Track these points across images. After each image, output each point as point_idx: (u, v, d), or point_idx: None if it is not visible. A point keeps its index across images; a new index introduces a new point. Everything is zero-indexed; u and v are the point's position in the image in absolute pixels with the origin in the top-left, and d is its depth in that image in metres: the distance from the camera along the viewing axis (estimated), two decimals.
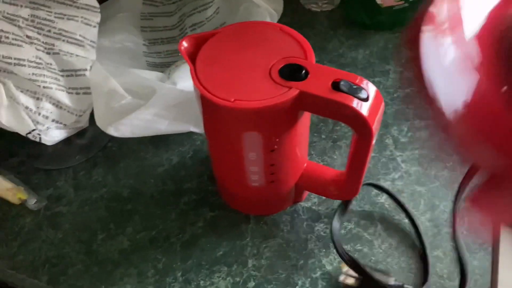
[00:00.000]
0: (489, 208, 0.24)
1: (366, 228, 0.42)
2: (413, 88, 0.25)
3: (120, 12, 0.53)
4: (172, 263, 0.41)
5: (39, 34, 0.42)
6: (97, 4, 0.45)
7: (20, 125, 0.42)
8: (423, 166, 0.45)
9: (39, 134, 0.43)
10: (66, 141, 0.48)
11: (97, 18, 0.45)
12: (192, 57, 0.33)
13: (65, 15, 0.43)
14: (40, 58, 0.42)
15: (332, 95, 0.30)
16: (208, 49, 0.34)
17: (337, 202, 0.42)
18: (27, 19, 0.41)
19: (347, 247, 0.40)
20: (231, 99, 0.30)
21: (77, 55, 0.44)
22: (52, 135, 0.44)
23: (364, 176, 0.36)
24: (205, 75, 0.32)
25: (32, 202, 0.45)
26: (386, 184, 0.44)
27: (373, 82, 0.37)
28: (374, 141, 0.32)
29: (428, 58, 0.23)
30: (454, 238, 0.40)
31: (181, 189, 0.45)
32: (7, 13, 0.40)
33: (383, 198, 0.43)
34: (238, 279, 0.39)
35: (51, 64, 0.43)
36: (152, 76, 0.44)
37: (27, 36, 0.42)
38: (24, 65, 0.41)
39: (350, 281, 0.37)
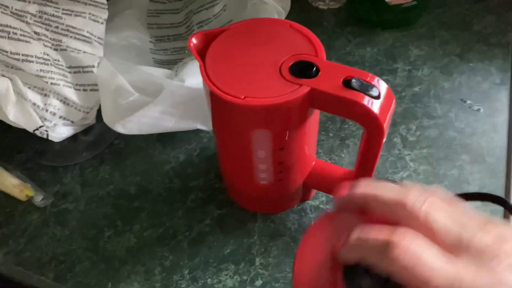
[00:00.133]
0: None
1: None
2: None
3: (127, 9, 0.53)
4: (179, 260, 0.40)
5: (47, 30, 0.42)
6: (104, 1, 0.44)
7: (27, 122, 0.42)
8: (431, 165, 0.45)
9: (47, 131, 0.43)
10: (72, 138, 0.48)
11: (104, 14, 0.45)
12: (202, 54, 0.33)
13: (72, 11, 0.43)
14: (47, 55, 0.42)
15: (343, 92, 0.29)
16: (218, 45, 0.33)
17: None
18: (35, 15, 0.41)
19: None
20: (241, 96, 0.30)
21: (84, 52, 0.44)
22: (59, 131, 0.44)
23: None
24: (215, 72, 0.32)
25: (38, 199, 0.45)
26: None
27: None
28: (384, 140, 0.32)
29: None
30: None
31: (188, 187, 0.45)
32: (15, 9, 0.40)
33: None
34: (245, 277, 0.39)
35: (58, 60, 0.43)
36: (159, 73, 0.44)
37: (35, 32, 0.42)
38: (32, 61, 0.41)
39: None
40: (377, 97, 0.30)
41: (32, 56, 0.41)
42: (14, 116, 0.42)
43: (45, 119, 0.43)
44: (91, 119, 0.47)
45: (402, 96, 0.51)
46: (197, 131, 0.49)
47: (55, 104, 0.43)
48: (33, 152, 0.49)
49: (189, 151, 0.48)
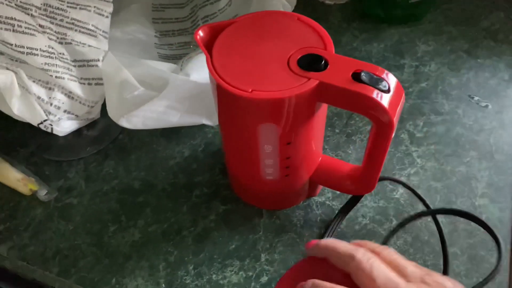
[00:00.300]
0: None
1: (381, 224, 0.41)
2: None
3: (132, 3, 0.52)
4: (184, 256, 0.40)
5: (52, 23, 0.42)
6: None
7: (32, 115, 0.42)
8: (439, 162, 0.45)
9: (51, 125, 0.43)
10: (77, 133, 0.48)
11: (109, 8, 0.45)
12: (208, 47, 0.33)
13: (77, 4, 0.43)
14: (52, 48, 0.42)
15: (353, 86, 0.29)
16: (225, 38, 0.33)
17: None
18: (39, 8, 0.41)
19: None
20: (248, 90, 0.30)
21: (89, 46, 0.44)
22: (64, 125, 0.44)
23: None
24: (222, 65, 0.31)
25: (43, 193, 0.44)
26: (401, 180, 0.43)
27: None
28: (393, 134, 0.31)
29: None
30: None
31: (192, 182, 0.45)
32: (20, 2, 0.40)
33: (398, 194, 0.43)
34: (250, 273, 0.39)
35: (63, 54, 0.43)
36: (165, 67, 0.44)
37: (40, 25, 0.41)
38: (37, 55, 0.41)
39: None
40: (387, 91, 0.29)
41: (36, 49, 0.41)
42: (18, 110, 0.41)
43: (50, 113, 0.43)
44: (95, 114, 0.47)
45: (409, 92, 0.50)
46: (202, 126, 0.49)
47: (59, 98, 0.43)
48: (37, 146, 0.49)
49: (194, 147, 0.48)
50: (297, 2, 0.49)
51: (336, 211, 0.41)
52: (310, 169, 0.39)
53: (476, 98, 0.49)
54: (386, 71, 0.30)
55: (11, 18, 0.39)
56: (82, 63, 0.44)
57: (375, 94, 0.29)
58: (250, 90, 0.29)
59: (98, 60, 0.44)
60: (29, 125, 0.43)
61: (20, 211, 0.44)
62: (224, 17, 0.53)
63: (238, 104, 0.31)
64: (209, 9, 0.54)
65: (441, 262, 0.38)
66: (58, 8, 0.42)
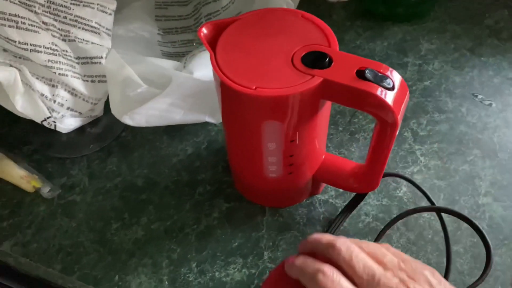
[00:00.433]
0: None
1: (384, 222, 0.41)
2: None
3: (135, 1, 0.52)
4: (187, 253, 0.40)
5: (55, 20, 0.42)
6: None
7: (35, 112, 0.42)
8: (442, 160, 0.44)
9: (54, 122, 0.43)
10: (80, 130, 0.48)
11: (113, 5, 0.45)
12: (212, 44, 0.33)
13: (81, 1, 0.43)
14: (56, 45, 0.42)
15: (357, 83, 0.29)
16: (229, 35, 0.33)
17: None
18: (43, 5, 0.41)
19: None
20: (252, 87, 0.29)
21: (92, 43, 0.44)
22: (67, 122, 0.44)
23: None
24: (226, 62, 0.31)
25: (46, 190, 0.44)
26: (406, 176, 0.43)
27: None
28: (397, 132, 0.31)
29: None
30: None
31: (196, 180, 0.45)
32: None
33: (402, 192, 0.43)
34: (253, 271, 0.39)
35: (66, 51, 0.43)
36: (168, 64, 0.44)
37: (43, 22, 0.41)
38: (40, 52, 0.41)
39: None
40: (391, 89, 0.29)
41: (40, 46, 0.41)
42: (22, 107, 0.41)
43: (53, 110, 0.43)
44: (98, 111, 0.47)
45: (413, 90, 0.50)
46: (205, 124, 0.49)
47: (63, 95, 0.43)
48: (41, 144, 0.49)
49: (197, 144, 0.48)
50: (300, 0, 0.49)
51: (339, 209, 0.41)
52: (313, 167, 0.39)
53: (480, 96, 0.49)
54: (390, 69, 0.30)
55: (15, 15, 0.39)
56: (85, 60, 0.44)
57: (380, 91, 0.29)
58: (254, 87, 0.29)
59: (102, 58, 0.44)
60: (32, 122, 0.43)
61: (23, 208, 0.44)
62: (227, 15, 0.53)
63: (241, 101, 0.31)
64: (212, 6, 0.54)
65: (444, 261, 0.38)
66: (61, 5, 0.42)
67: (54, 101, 0.43)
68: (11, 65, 0.41)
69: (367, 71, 0.29)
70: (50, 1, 0.41)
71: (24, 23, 0.40)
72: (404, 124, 0.47)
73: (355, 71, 0.29)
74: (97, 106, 0.46)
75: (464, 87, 0.50)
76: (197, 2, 0.55)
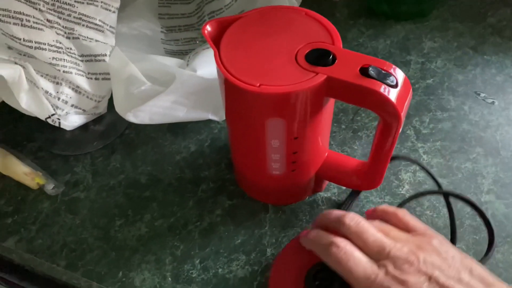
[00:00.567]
0: None
1: None
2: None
3: None
4: (190, 250, 0.40)
5: (59, 18, 0.42)
6: None
7: (39, 109, 0.42)
8: (445, 158, 0.45)
9: (59, 119, 0.43)
10: (83, 128, 0.48)
11: (116, 3, 0.45)
12: (216, 42, 0.33)
13: None
14: (60, 43, 0.42)
15: (361, 80, 0.29)
16: (233, 33, 0.33)
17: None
18: (47, 3, 0.41)
19: None
20: (256, 84, 0.30)
21: (96, 40, 0.44)
22: (71, 120, 0.44)
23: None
24: (230, 60, 0.31)
25: (50, 187, 0.45)
26: (407, 176, 0.43)
27: None
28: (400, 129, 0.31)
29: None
30: None
31: (199, 177, 0.45)
32: None
33: (404, 190, 0.43)
34: (256, 267, 0.39)
35: (71, 48, 0.43)
36: (171, 62, 0.44)
37: (48, 20, 0.41)
38: (45, 49, 0.41)
39: None
40: (395, 86, 0.29)
41: (44, 44, 0.41)
42: (26, 104, 0.41)
43: (57, 107, 0.43)
44: (102, 108, 0.47)
45: (416, 89, 0.50)
46: (208, 121, 0.49)
47: (67, 92, 0.43)
48: (45, 141, 0.49)
49: (200, 142, 0.48)
50: None
51: (341, 207, 0.42)
52: (316, 164, 0.39)
53: (482, 94, 0.49)
54: (394, 66, 0.30)
55: (20, 13, 0.39)
56: (89, 58, 0.44)
57: (383, 88, 0.29)
58: (258, 84, 0.30)
59: (105, 55, 0.44)
60: (36, 119, 0.43)
61: (28, 205, 0.45)
62: (230, 13, 0.53)
63: (245, 99, 0.31)
64: (215, 4, 0.54)
65: None
66: (65, 3, 0.42)
67: (59, 99, 0.43)
68: (15, 63, 0.41)
69: (370, 69, 0.29)
70: None
71: (28, 21, 0.40)
72: (406, 122, 0.47)
73: (358, 68, 0.29)
74: (101, 103, 0.46)
75: (467, 85, 0.50)
76: (200, 0, 0.55)
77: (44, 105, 0.42)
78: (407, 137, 0.46)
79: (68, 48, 0.43)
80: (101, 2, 0.44)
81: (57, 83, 0.43)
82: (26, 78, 0.41)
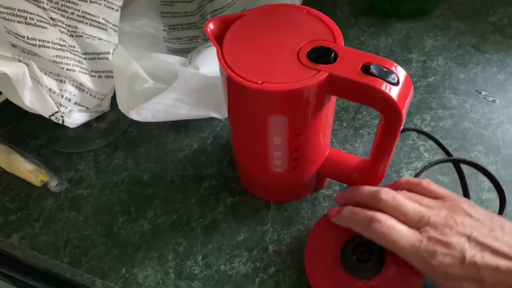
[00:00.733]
0: None
1: None
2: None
3: None
4: (192, 247, 0.41)
5: (63, 16, 0.42)
6: None
7: (43, 107, 0.42)
8: (446, 156, 0.45)
9: (62, 116, 0.43)
10: (86, 125, 0.48)
11: (119, 1, 0.45)
12: (218, 39, 0.33)
13: None
14: (63, 41, 0.42)
15: (362, 78, 0.29)
16: (235, 31, 0.33)
17: None
18: (51, 1, 0.41)
19: None
20: (258, 82, 0.30)
21: (99, 39, 0.44)
22: (75, 117, 0.45)
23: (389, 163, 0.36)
24: (232, 57, 0.32)
25: (53, 184, 0.45)
26: (408, 174, 0.44)
27: None
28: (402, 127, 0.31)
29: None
30: None
31: (201, 175, 0.45)
32: None
33: None
34: (258, 264, 0.39)
35: (74, 46, 0.43)
36: (174, 60, 0.44)
37: (51, 18, 0.42)
38: (48, 47, 0.41)
39: None
40: (396, 84, 0.29)
41: (48, 42, 0.41)
42: (30, 102, 0.42)
43: (61, 104, 0.43)
44: (105, 106, 0.47)
45: (417, 87, 0.50)
46: (210, 119, 0.49)
47: (70, 90, 0.43)
48: (48, 138, 0.50)
49: (202, 140, 0.48)
50: None
51: None
52: (318, 161, 0.39)
53: (483, 93, 0.50)
54: (395, 64, 0.30)
55: (24, 11, 0.40)
56: (92, 56, 0.44)
57: (384, 86, 0.29)
58: (260, 82, 0.30)
59: (108, 53, 0.44)
60: (39, 117, 0.44)
61: (31, 202, 0.45)
62: (232, 11, 0.53)
63: (248, 96, 0.32)
64: (218, 3, 0.54)
65: None
66: (69, 1, 0.42)
67: (62, 96, 0.43)
68: (19, 61, 0.41)
69: (372, 66, 0.29)
70: None
71: (32, 19, 0.40)
72: (408, 120, 0.48)
73: (360, 66, 0.30)
74: (104, 101, 0.47)
75: (468, 83, 0.51)
76: None
77: (48, 102, 0.42)
78: (408, 135, 0.46)
79: (71, 46, 0.43)
80: (104, 0, 0.44)
81: (61, 81, 0.43)
82: (30, 76, 0.41)
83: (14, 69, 0.40)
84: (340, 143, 0.47)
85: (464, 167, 0.42)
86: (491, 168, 0.43)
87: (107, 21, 0.44)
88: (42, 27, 0.41)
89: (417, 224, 0.31)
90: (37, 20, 0.41)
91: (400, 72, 0.30)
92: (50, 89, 0.43)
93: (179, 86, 0.42)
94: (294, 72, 0.30)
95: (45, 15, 0.41)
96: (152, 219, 0.43)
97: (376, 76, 0.29)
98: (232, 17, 0.34)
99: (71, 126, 0.44)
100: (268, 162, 0.37)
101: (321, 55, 0.30)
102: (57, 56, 0.42)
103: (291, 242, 0.40)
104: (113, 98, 0.45)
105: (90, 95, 0.45)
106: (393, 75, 0.30)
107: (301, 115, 0.32)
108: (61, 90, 0.43)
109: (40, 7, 0.41)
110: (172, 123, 0.49)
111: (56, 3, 0.42)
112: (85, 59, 0.44)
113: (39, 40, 0.41)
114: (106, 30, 0.45)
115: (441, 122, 0.47)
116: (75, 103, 0.44)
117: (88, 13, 0.43)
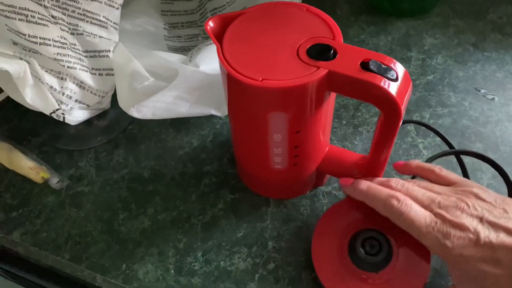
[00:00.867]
0: None
1: None
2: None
3: None
4: (192, 243, 0.41)
5: (64, 14, 0.43)
6: None
7: (44, 104, 0.43)
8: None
9: (63, 114, 0.44)
10: (87, 123, 0.48)
11: (120, 0, 0.45)
12: (219, 37, 0.33)
13: None
14: (64, 38, 0.43)
15: (361, 75, 0.29)
16: (235, 29, 0.33)
17: None
18: None
19: None
20: (258, 79, 0.30)
21: (100, 36, 0.44)
22: (76, 115, 0.45)
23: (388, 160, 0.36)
24: (232, 55, 0.32)
25: (54, 181, 0.45)
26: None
27: None
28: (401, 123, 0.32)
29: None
30: None
31: (201, 172, 0.46)
32: None
33: None
34: (258, 260, 0.40)
35: (75, 44, 0.43)
36: (174, 58, 0.44)
37: (52, 16, 0.42)
38: (50, 45, 0.41)
39: None
40: (395, 80, 0.30)
41: (49, 40, 0.41)
42: (31, 99, 0.42)
43: (62, 102, 0.44)
44: (106, 104, 0.48)
45: (416, 85, 0.51)
46: (210, 117, 0.49)
47: (71, 87, 0.44)
48: (49, 136, 0.50)
49: (202, 137, 0.49)
50: None
51: None
52: (318, 158, 0.40)
53: (482, 90, 0.50)
54: (394, 60, 0.31)
55: (25, 9, 0.40)
56: (93, 53, 0.44)
57: (383, 82, 0.29)
58: (260, 79, 0.30)
59: (109, 51, 0.44)
60: (40, 114, 0.44)
61: (33, 199, 0.45)
62: (233, 10, 0.53)
63: (248, 93, 0.32)
64: (218, 1, 0.54)
65: None
66: None
67: (63, 94, 0.43)
68: (21, 58, 0.42)
69: (371, 63, 0.29)
70: None
71: (33, 17, 0.41)
72: (407, 118, 0.48)
73: (359, 62, 0.30)
74: (105, 99, 0.47)
75: (467, 81, 0.51)
76: None
77: (49, 100, 0.42)
78: (407, 133, 0.47)
79: (72, 44, 0.43)
80: None
81: (62, 78, 0.43)
82: (31, 73, 0.42)
83: (15, 66, 0.40)
84: (339, 140, 0.47)
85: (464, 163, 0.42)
86: (489, 166, 0.44)
87: (107, 19, 0.45)
88: (43, 25, 0.41)
89: (428, 207, 0.32)
90: (38, 18, 0.41)
91: (399, 69, 0.30)
92: (51, 87, 0.43)
93: (180, 84, 0.42)
94: (293, 69, 0.30)
95: (46, 13, 0.42)
96: (152, 215, 0.43)
97: (375, 73, 0.29)
98: (232, 15, 0.34)
99: (72, 123, 0.45)
100: (268, 159, 0.38)
101: (321, 52, 0.31)
102: (58, 54, 0.42)
103: (291, 238, 0.41)
104: (114, 95, 0.45)
105: (91, 92, 0.45)
106: (392, 72, 0.30)
107: (301, 112, 0.32)
108: (62, 87, 0.43)
109: (41, 5, 0.41)
110: (173, 120, 0.50)
111: (57, 1, 0.42)
112: (86, 57, 0.44)
113: (40, 38, 0.41)
114: (106, 28, 0.45)
115: (440, 120, 0.48)
116: (76, 101, 0.45)
117: (89, 11, 0.44)
